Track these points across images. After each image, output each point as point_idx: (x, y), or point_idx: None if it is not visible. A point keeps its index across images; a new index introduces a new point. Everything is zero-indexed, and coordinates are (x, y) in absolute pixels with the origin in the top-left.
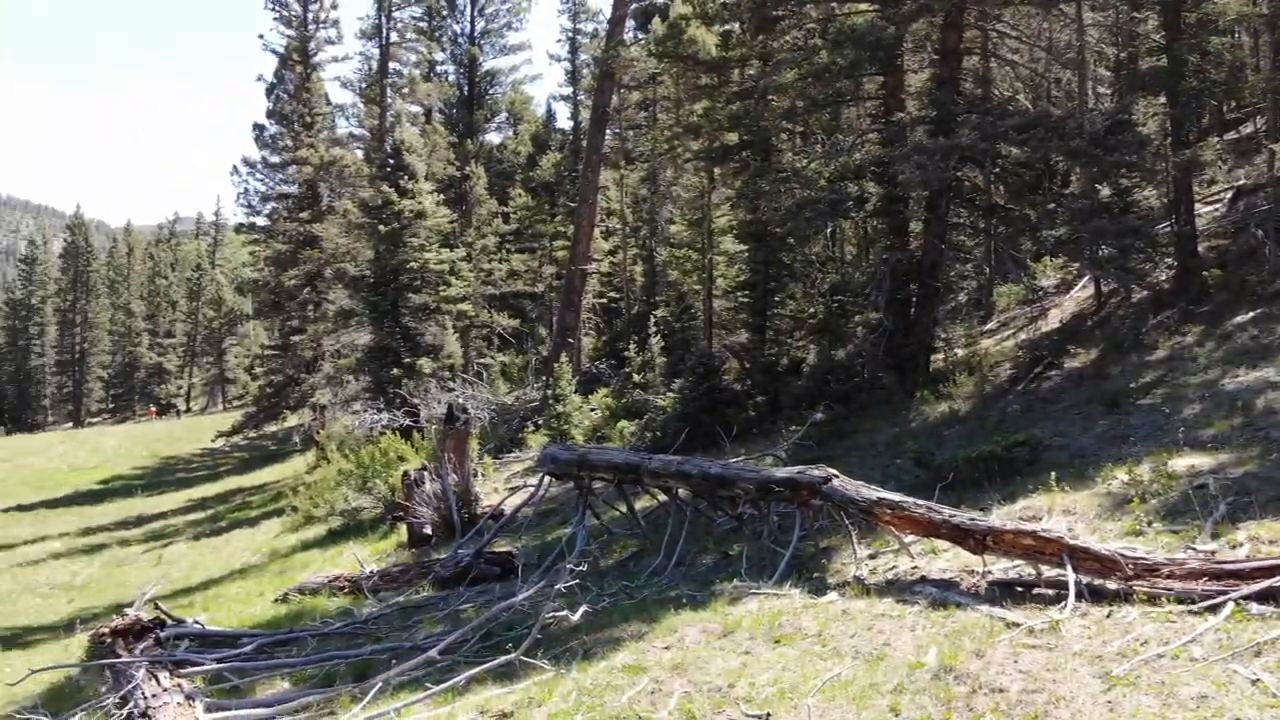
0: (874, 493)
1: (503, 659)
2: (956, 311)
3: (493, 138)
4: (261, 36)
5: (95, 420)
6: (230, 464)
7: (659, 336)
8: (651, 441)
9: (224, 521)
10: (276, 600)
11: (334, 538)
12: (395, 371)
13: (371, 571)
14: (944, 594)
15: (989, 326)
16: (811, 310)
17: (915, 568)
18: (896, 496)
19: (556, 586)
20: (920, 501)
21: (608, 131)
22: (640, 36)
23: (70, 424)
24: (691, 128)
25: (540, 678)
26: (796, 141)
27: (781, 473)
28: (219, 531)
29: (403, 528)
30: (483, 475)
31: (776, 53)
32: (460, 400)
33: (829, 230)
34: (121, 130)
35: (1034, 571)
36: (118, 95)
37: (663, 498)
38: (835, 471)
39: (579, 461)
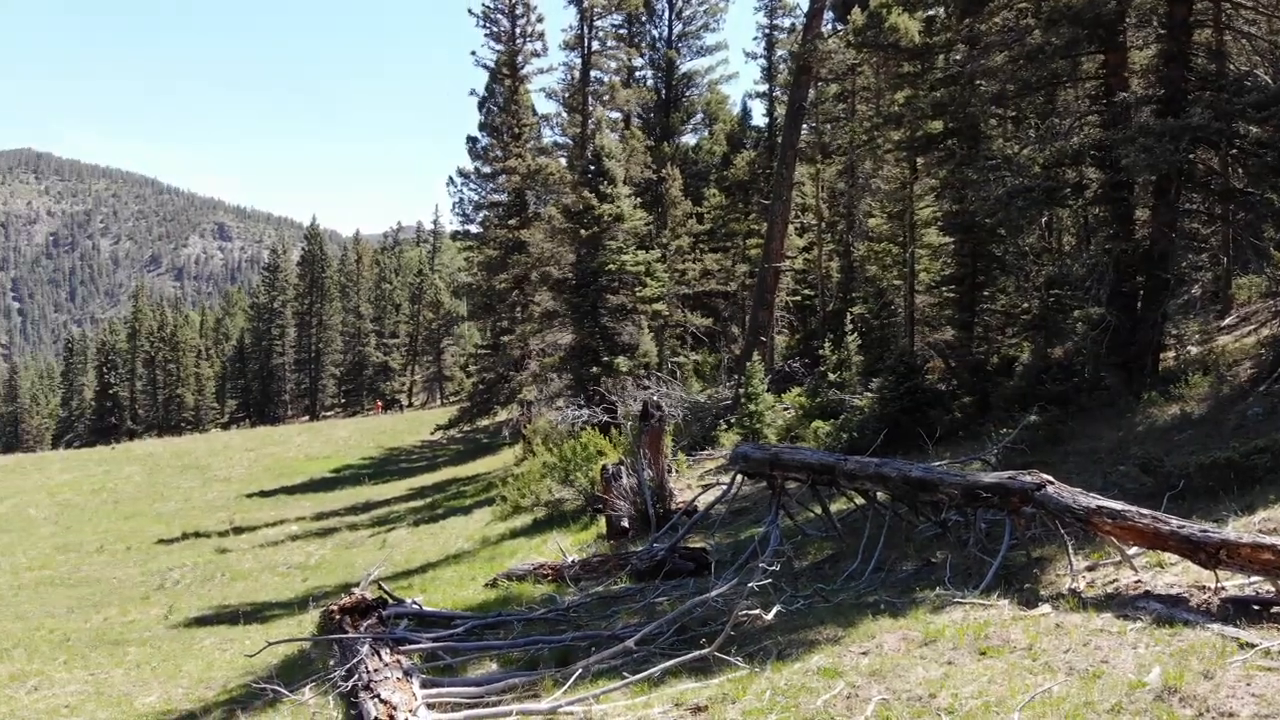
0: (1093, 501)
1: (697, 653)
2: (1189, 305)
3: (688, 139)
4: (474, 53)
5: (328, 414)
6: (447, 455)
7: (856, 334)
8: (848, 442)
9: (440, 509)
10: (486, 585)
11: (539, 527)
12: (595, 369)
13: (573, 561)
14: (1170, 610)
15: (1227, 322)
16: (1025, 305)
17: (1138, 582)
18: (1118, 505)
19: (749, 585)
20: (1145, 511)
21: (803, 126)
22: (838, 28)
23: (307, 417)
24: (892, 118)
25: (734, 674)
26: (1007, 127)
27: (990, 478)
28: (436, 518)
29: (602, 519)
30: (676, 471)
31: (984, 36)
32: (655, 398)
33: (1044, 220)
34: (353, 146)
35: (1273, 589)
36: (349, 112)
37: (860, 501)
38: (1049, 477)
39: (771, 460)
